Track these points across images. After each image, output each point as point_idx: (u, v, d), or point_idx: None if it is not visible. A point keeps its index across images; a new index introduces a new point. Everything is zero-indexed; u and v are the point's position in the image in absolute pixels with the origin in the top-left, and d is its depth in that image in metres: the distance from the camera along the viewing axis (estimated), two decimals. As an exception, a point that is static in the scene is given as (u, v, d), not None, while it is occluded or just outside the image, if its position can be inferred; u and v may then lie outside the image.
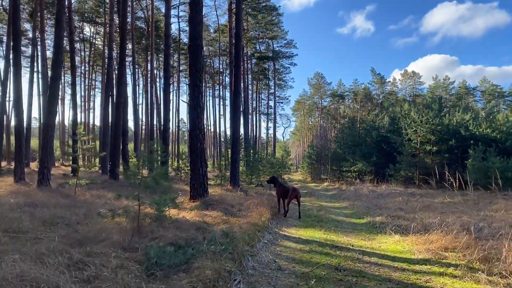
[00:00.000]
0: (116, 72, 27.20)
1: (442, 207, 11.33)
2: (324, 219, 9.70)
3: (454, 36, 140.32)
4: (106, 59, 25.77)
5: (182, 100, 22.84)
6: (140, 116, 48.62)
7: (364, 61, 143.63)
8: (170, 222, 6.25)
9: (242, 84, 33.51)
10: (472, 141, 21.01)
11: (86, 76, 48.48)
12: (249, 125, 46.95)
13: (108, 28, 26.16)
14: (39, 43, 28.40)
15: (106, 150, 21.50)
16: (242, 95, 36.30)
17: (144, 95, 42.47)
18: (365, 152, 28.16)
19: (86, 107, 48.84)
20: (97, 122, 49.04)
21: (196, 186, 9.71)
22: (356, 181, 26.20)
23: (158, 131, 33.51)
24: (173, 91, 46.32)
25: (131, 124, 34.30)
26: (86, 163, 32.32)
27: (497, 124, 22.87)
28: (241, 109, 32.78)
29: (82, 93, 48.88)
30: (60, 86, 36.56)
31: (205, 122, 54.22)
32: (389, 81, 69.71)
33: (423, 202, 13.37)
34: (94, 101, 52.39)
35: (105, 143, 23.69)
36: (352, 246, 6.41)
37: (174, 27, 43.52)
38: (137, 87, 44.66)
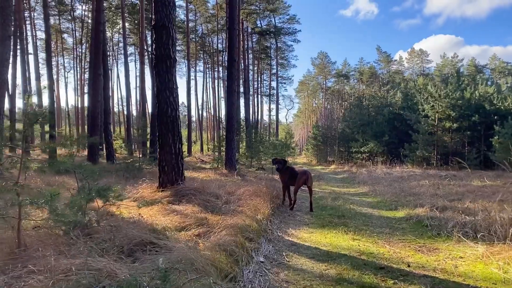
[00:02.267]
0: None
1: (493, 192, 8.68)
2: (346, 213, 7.03)
3: (458, 17, 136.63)
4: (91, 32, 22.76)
5: (148, 51, 19.97)
6: (139, 99, 45.75)
7: (368, 43, 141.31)
8: (93, 231, 3.60)
9: (243, 57, 30.55)
10: (496, 117, 19.37)
11: (82, 58, 45.45)
12: (250, 106, 43.99)
13: None
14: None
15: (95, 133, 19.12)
16: (242, 71, 33.44)
17: (139, 75, 39.41)
18: (376, 131, 26.03)
19: (81, 92, 45.85)
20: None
21: (167, 169, 6.77)
22: (367, 163, 23.93)
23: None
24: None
25: (124, 108, 31.59)
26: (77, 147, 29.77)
27: (525, 98, 20.55)
28: (242, 90, 30.10)
29: (78, 76, 46.15)
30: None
31: (204, 104, 51.58)
32: (396, 60, 67.71)
33: (460, 186, 10.96)
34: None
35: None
36: (409, 266, 3.74)
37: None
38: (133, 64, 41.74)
